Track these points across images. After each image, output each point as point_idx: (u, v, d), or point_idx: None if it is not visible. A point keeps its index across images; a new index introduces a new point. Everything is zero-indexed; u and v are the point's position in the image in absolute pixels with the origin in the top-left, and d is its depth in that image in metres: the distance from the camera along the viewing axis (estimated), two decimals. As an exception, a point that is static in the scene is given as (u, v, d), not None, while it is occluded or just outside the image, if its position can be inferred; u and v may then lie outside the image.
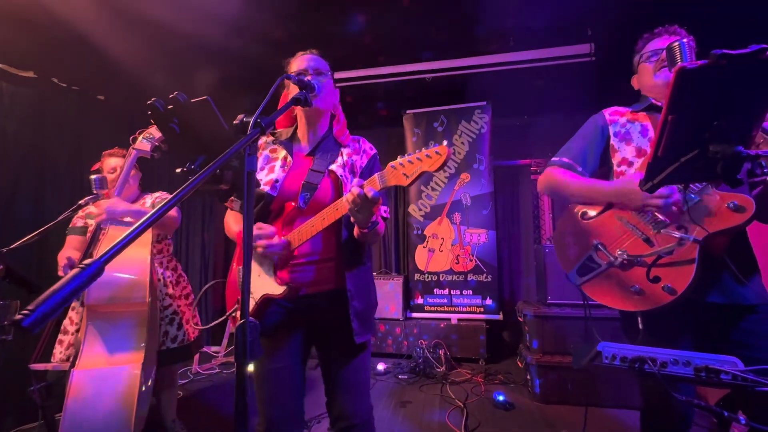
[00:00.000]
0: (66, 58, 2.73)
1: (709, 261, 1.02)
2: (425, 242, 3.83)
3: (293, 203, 1.15)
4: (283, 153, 1.24)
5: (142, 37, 2.60)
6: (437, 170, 0.92)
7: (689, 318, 1.12)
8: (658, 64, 1.23)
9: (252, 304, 1.17)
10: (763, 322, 1.03)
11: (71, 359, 1.77)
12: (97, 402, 1.33)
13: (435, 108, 3.88)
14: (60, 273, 1.74)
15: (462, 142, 3.80)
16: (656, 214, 1.08)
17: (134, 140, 1.76)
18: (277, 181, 1.18)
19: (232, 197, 1.33)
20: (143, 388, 1.48)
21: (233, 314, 1.23)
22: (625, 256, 1.08)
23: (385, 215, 1.24)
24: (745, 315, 1.06)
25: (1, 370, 2.21)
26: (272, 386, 1.16)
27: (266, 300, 1.14)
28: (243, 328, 0.81)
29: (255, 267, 1.21)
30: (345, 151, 1.24)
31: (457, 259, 3.73)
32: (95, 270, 0.47)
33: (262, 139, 1.33)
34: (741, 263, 1.06)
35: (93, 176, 1.94)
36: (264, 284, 1.14)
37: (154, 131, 1.74)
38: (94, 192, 1.96)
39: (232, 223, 1.28)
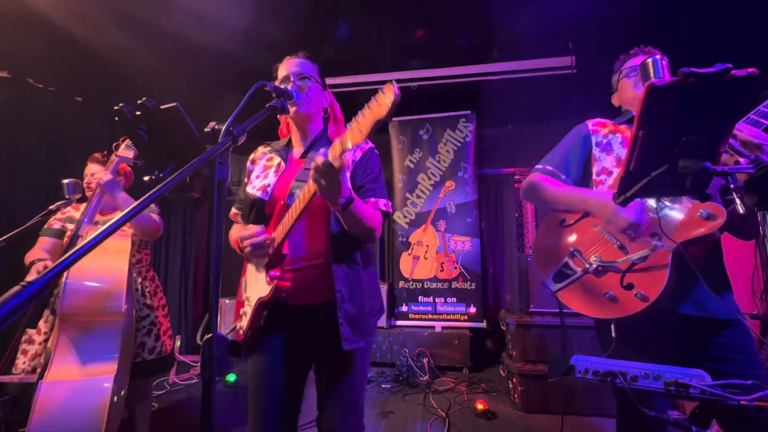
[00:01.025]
0: (42, 58, 2.66)
1: (685, 272, 1.03)
2: (410, 249, 3.83)
3: (282, 201, 1.12)
4: (278, 160, 1.22)
5: (122, 37, 2.55)
6: (388, 115, 0.81)
7: (661, 328, 1.13)
8: (637, 78, 1.26)
9: (249, 311, 1.13)
10: (737, 336, 1.04)
11: (38, 370, 1.69)
12: (65, 416, 1.27)
13: (420, 116, 3.91)
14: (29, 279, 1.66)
15: (447, 150, 3.82)
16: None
17: (117, 147, 1.71)
18: (269, 185, 1.16)
19: (234, 209, 1.30)
20: (115, 400, 1.42)
21: (237, 328, 1.19)
22: (600, 263, 1.09)
23: (384, 209, 1.15)
24: (718, 329, 1.07)
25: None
26: (262, 398, 1.11)
27: (261, 305, 1.10)
28: (210, 342, 0.78)
29: (252, 273, 1.19)
30: None
31: (442, 267, 3.73)
32: (39, 287, 0.44)
33: (260, 150, 1.31)
34: (714, 279, 1.07)
35: (65, 180, 1.88)
36: (259, 289, 1.11)
37: None
38: (66, 197, 1.90)
39: (234, 234, 1.25)
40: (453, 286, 3.68)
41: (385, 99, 0.81)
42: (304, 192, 1.01)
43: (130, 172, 2.06)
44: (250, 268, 1.20)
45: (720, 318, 1.05)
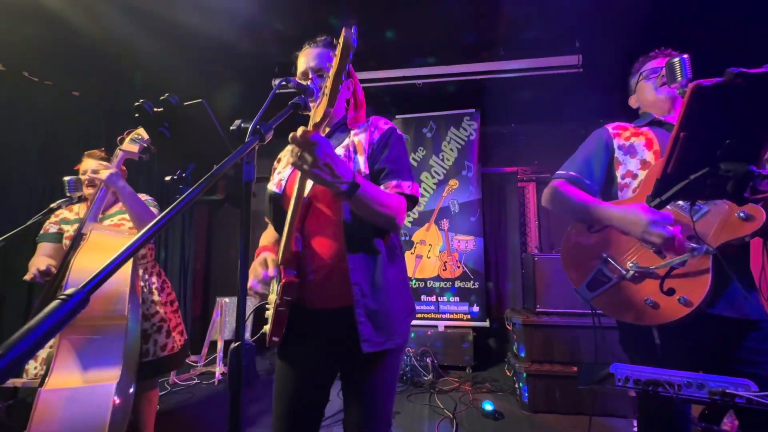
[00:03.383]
0: (38, 50, 2.58)
1: (719, 273, 1.02)
2: (413, 248, 3.80)
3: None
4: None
5: (121, 28, 2.48)
6: (345, 55, 0.77)
7: (692, 331, 1.11)
8: (658, 81, 1.25)
9: (271, 315, 1.07)
10: (763, 340, 1.03)
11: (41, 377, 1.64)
12: (65, 424, 1.22)
13: (424, 114, 3.87)
14: (27, 277, 1.60)
15: (451, 149, 3.80)
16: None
17: (121, 141, 1.65)
18: (283, 179, 1.10)
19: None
20: (118, 404, 1.37)
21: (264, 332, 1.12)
22: (636, 269, 1.07)
23: (409, 192, 1.01)
24: (748, 332, 1.06)
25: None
26: (282, 404, 1.07)
27: (277, 308, 1.03)
28: (238, 351, 0.75)
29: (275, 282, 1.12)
30: (353, 132, 1.12)
31: (445, 266, 3.71)
32: (79, 301, 0.41)
33: (287, 148, 1.22)
34: (744, 279, 1.06)
35: (66, 178, 1.82)
36: (275, 291, 1.07)
37: (142, 132, 1.64)
38: (67, 195, 1.84)
39: (264, 239, 1.21)
40: (456, 286, 3.66)
41: (344, 39, 0.78)
42: (294, 180, 0.93)
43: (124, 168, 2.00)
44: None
45: (752, 319, 1.04)
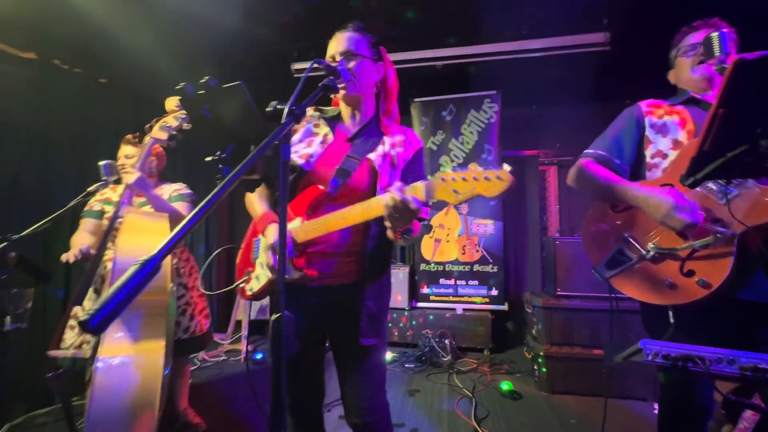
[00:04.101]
0: (67, 39, 2.65)
1: (744, 256, 1.01)
2: (432, 232, 3.82)
3: (323, 188, 1.10)
4: (325, 130, 1.19)
5: (146, 18, 2.52)
6: (493, 197, 0.84)
7: (715, 313, 1.11)
8: (695, 59, 1.20)
9: (264, 279, 1.14)
10: None
11: (84, 346, 1.76)
12: (123, 388, 1.31)
13: (443, 96, 3.83)
14: (66, 258, 1.70)
15: (471, 132, 3.76)
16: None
17: (150, 128, 1.71)
18: (311, 156, 1.13)
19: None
20: (166, 374, 1.46)
21: (241, 284, 1.22)
22: (658, 250, 1.06)
23: (424, 216, 1.10)
24: None
25: (12, 357, 2.22)
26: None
27: (274, 282, 1.11)
28: (279, 322, 0.79)
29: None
30: (388, 140, 1.17)
31: (464, 250, 3.72)
32: (155, 265, 0.45)
33: (309, 112, 1.27)
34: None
35: (102, 162, 1.90)
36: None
37: (170, 120, 1.69)
38: (103, 179, 1.93)
39: (254, 200, 1.22)
40: (475, 269, 3.68)
41: (502, 183, 0.81)
42: (361, 212, 0.99)
43: (162, 152, 2.07)
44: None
45: None
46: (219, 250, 1.44)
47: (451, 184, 0.86)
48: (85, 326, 0.37)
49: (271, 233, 1.08)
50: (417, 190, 0.90)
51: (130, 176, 1.66)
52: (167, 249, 0.47)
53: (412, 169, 1.19)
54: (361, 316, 1.10)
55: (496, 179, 0.82)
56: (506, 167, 0.84)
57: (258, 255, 1.22)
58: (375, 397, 1.14)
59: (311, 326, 1.18)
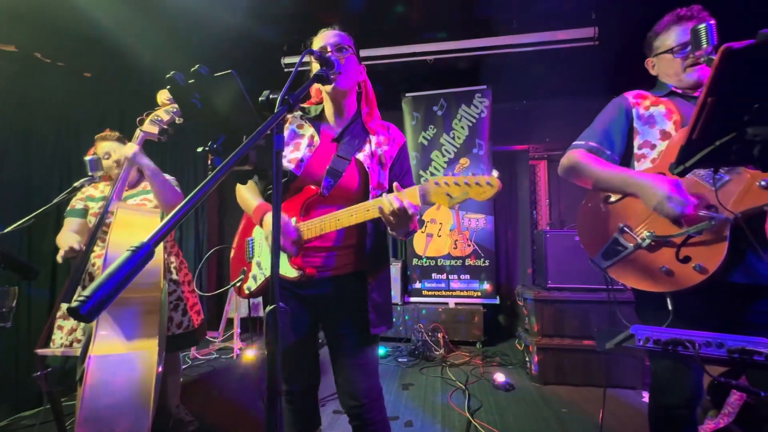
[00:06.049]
0: (49, 32, 2.58)
1: (736, 240, 1.02)
2: (424, 227, 3.83)
3: (316, 188, 1.12)
4: (310, 131, 1.19)
5: (134, 12, 2.46)
6: (483, 200, 0.91)
7: (706, 297, 1.12)
8: (691, 61, 1.19)
9: (261, 278, 1.16)
10: None
11: (74, 344, 1.72)
12: (116, 387, 1.29)
13: (434, 91, 3.83)
14: (61, 255, 1.66)
15: (462, 127, 3.77)
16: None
17: (141, 122, 1.68)
18: (302, 160, 1.15)
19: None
20: (159, 371, 1.44)
21: (237, 284, 1.23)
22: (653, 237, 1.08)
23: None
24: (760, 297, 1.07)
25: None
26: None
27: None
28: (274, 313, 0.78)
29: (264, 239, 1.18)
30: (373, 139, 1.20)
31: (455, 244, 3.74)
32: (147, 252, 0.44)
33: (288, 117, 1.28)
34: (760, 245, 1.07)
35: (87, 158, 1.86)
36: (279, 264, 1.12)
37: (161, 113, 1.65)
38: (89, 174, 1.88)
39: (246, 194, 1.21)
40: (466, 263, 3.70)
41: (491, 189, 0.88)
42: (361, 213, 1.02)
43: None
44: (260, 232, 1.19)
45: (765, 284, 1.05)
46: (211, 251, 1.44)
47: (445, 189, 0.92)
48: (75, 312, 0.36)
49: (270, 222, 1.08)
50: (412, 195, 0.96)
51: (128, 149, 1.60)
52: (160, 235, 0.46)
53: (399, 165, 1.22)
54: (368, 307, 1.14)
55: (486, 185, 0.89)
56: (495, 173, 0.90)
57: (253, 254, 1.21)
58: (370, 380, 1.18)
59: (311, 319, 1.21)
